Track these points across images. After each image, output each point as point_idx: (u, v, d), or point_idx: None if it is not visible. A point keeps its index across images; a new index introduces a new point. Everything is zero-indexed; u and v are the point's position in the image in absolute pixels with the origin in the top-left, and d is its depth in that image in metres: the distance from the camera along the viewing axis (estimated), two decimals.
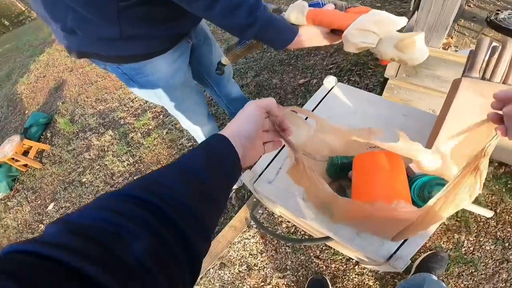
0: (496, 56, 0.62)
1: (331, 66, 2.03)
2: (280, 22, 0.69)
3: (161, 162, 1.99)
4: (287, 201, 0.79)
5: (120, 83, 3.00)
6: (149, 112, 2.41)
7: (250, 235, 1.45)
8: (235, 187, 1.61)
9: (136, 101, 2.64)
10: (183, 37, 0.92)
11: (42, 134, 2.85)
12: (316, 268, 1.29)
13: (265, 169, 0.88)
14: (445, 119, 0.66)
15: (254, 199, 1.49)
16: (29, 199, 2.39)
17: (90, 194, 2.10)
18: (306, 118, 0.89)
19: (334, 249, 1.29)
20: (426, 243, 1.19)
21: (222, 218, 1.58)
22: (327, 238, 0.74)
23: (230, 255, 1.43)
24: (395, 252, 0.67)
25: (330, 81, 1.04)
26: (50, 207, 2.23)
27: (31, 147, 2.56)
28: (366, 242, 0.69)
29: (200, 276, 1.43)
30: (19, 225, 2.29)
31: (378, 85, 1.74)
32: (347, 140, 0.66)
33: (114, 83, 3.07)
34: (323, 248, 1.32)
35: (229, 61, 0.88)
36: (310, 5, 0.71)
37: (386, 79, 1.36)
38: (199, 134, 1.35)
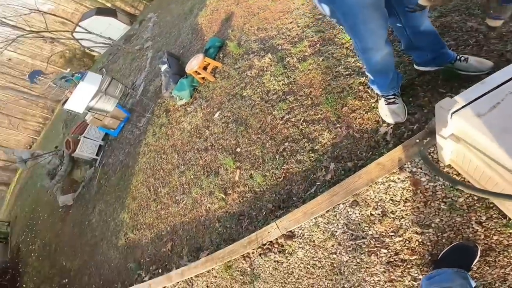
0: None
1: None
2: None
3: (314, 86, 2.03)
4: (500, 139, 0.64)
5: (278, 15, 3.05)
6: (306, 40, 2.40)
7: (398, 179, 1.30)
8: (393, 120, 1.47)
9: (293, 30, 2.68)
10: None
11: (216, 54, 3.43)
12: (471, 235, 1.09)
13: (476, 99, 0.73)
14: None
15: (424, 142, 1.25)
16: (202, 107, 3.05)
17: (247, 107, 2.46)
18: None
19: (507, 220, 1.04)
20: None
21: (370, 153, 1.50)
22: None
23: (368, 195, 1.36)
24: None
25: None
26: (216, 115, 2.77)
27: (209, 64, 3.14)
28: None
29: (326, 209, 1.44)
30: (192, 129, 2.97)
31: None
32: None
33: (273, 15, 3.18)
34: (493, 215, 1.07)
35: (427, 2, 0.85)
36: None
37: None
38: (372, 57, 1.26)
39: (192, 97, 3.31)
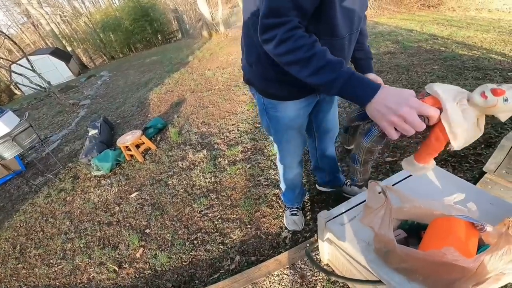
0: None
1: None
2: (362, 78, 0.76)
3: (236, 189, 2.38)
4: (352, 242, 1.00)
5: (224, 114, 3.73)
6: (241, 146, 2.93)
7: (290, 273, 1.64)
8: (292, 228, 1.86)
9: (233, 133, 3.23)
10: (315, 91, 1.21)
11: (154, 136, 3.71)
12: None
13: (341, 214, 1.11)
14: None
15: (310, 244, 1.64)
16: (120, 183, 3.06)
17: (169, 195, 2.61)
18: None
19: None
20: None
21: (271, 251, 1.83)
22: (379, 282, 0.88)
23: (264, 284, 1.63)
24: None
25: None
26: (133, 195, 2.81)
27: (144, 143, 3.34)
28: None
29: None
30: (99, 202, 2.90)
31: (472, 180, 1.75)
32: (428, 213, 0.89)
33: (220, 113, 3.81)
34: None
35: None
36: None
37: (482, 173, 1.44)
38: (285, 173, 1.66)
39: (111, 171, 3.33)
